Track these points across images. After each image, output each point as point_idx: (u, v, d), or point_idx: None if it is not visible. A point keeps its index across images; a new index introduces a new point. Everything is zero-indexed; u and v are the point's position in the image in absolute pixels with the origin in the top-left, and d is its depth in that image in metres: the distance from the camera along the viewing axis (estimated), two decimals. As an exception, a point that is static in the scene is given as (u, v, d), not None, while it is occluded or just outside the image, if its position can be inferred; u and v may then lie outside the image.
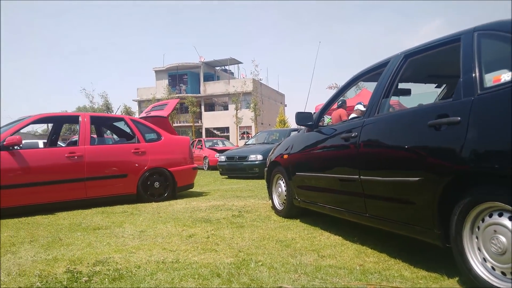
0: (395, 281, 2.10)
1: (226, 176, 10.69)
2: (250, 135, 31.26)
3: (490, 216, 1.78)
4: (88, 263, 2.57)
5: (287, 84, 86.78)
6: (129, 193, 5.60)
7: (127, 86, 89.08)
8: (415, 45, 2.59)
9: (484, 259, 1.81)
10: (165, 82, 36.23)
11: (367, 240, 2.95)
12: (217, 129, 35.68)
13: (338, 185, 2.97)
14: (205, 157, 15.23)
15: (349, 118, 7.66)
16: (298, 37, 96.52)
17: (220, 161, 10.96)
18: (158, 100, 29.80)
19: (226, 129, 34.96)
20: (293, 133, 9.83)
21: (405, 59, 2.60)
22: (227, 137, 31.90)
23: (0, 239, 3.12)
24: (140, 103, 37.24)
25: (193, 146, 16.27)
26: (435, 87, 3.61)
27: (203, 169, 14.76)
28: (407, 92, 3.27)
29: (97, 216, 4.54)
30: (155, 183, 5.82)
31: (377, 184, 2.49)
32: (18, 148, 4.77)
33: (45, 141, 10.04)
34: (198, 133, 34.79)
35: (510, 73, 1.81)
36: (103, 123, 7.08)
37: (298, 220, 3.90)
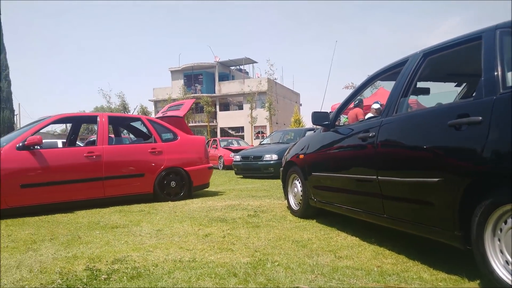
0: (414, 283, 2.07)
1: (241, 176, 10.71)
2: (264, 135, 31.25)
3: (513, 218, 1.74)
4: (106, 261, 2.61)
5: (302, 83, 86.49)
6: (146, 192, 5.67)
7: (144, 86, 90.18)
8: (434, 44, 2.55)
9: (507, 262, 1.77)
10: (180, 82, 36.52)
11: (385, 241, 2.92)
12: (232, 128, 35.78)
13: (355, 185, 2.95)
14: (220, 157, 15.29)
15: (365, 117, 7.60)
16: (314, 36, 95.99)
17: (235, 161, 10.99)
18: (174, 100, 30.06)
19: (241, 128, 35.03)
20: (308, 133, 9.78)
21: (424, 58, 2.56)
22: (242, 137, 31.95)
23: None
24: (156, 103, 37.62)
25: (208, 146, 16.35)
26: (455, 86, 3.54)
27: (218, 168, 14.83)
28: (426, 91, 3.21)
29: (115, 214, 4.60)
30: (172, 182, 5.87)
31: (395, 184, 2.46)
32: (39, 147, 4.87)
33: (64, 140, 10.25)
34: (213, 132, 34.96)
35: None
36: (120, 123, 7.19)
37: (314, 220, 3.88)
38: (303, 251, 2.76)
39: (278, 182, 7.93)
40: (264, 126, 32.42)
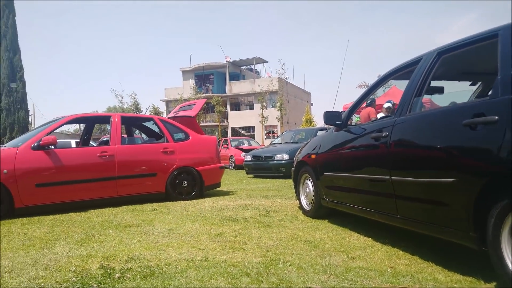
0: (428, 285, 2.05)
1: (252, 176, 10.72)
2: (275, 134, 31.21)
3: (531, 219, 1.71)
4: (120, 260, 2.63)
5: (313, 82, 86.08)
6: (158, 191, 5.71)
7: (155, 86, 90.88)
8: (449, 42, 2.51)
9: (524, 264, 1.73)
10: (191, 82, 36.68)
11: (398, 242, 2.89)
12: (243, 128, 35.81)
13: (368, 185, 2.92)
14: (231, 156, 15.33)
15: (377, 117, 7.54)
16: (326, 34, 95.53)
17: (246, 160, 11.00)
18: (185, 100, 30.21)
19: (252, 128, 35.04)
20: (320, 133, 9.75)
21: (438, 57, 2.53)
22: (253, 136, 31.96)
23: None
24: (168, 103, 37.86)
25: (219, 146, 16.41)
26: (470, 85, 3.49)
27: (229, 168, 14.87)
28: (440, 90, 3.17)
29: (127, 214, 4.65)
30: (183, 182, 5.91)
31: (409, 184, 2.43)
32: (53, 147, 4.95)
33: (78, 140, 10.38)
34: (224, 132, 35.04)
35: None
36: (133, 123, 7.25)
37: (326, 220, 3.86)
38: (315, 251, 2.75)
39: (289, 182, 7.91)
40: (275, 126, 32.39)
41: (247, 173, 11.04)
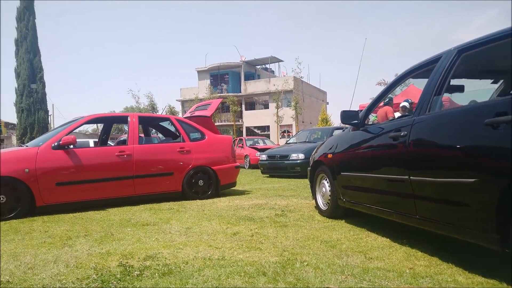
0: (449, 286, 2.01)
1: (267, 175, 10.71)
2: (290, 134, 31.12)
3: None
4: (138, 258, 2.67)
5: (329, 81, 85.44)
6: (174, 190, 5.76)
7: (171, 86, 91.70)
8: (470, 40, 2.46)
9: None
10: (207, 82, 36.88)
11: (417, 242, 2.85)
12: (258, 127, 35.83)
13: (386, 185, 2.89)
14: (246, 156, 15.35)
15: (395, 116, 7.44)
16: (341, 32, 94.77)
17: (261, 160, 11.00)
18: (201, 99, 30.40)
19: (267, 127, 35.03)
20: (336, 132, 9.68)
21: (459, 54, 2.48)
22: (268, 136, 31.94)
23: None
24: (183, 103, 38.15)
25: (234, 145, 16.45)
26: (491, 83, 3.41)
27: (244, 167, 14.90)
28: (460, 88, 3.11)
29: (145, 212, 4.71)
30: (199, 181, 5.95)
31: (428, 185, 2.39)
32: (73, 147, 5.04)
33: (96, 140, 10.56)
34: (238, 132, 35.12)
35: None
36: (150, 123, 7.34)
37: (343, 220, 3.83)
38: (332, 252, 2.73)
39: (305, 182, 7.89)
40: (290, 125, 32.29)
41: (262, 172, 11.04)
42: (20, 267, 2.52)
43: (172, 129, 6.78)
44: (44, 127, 26.44)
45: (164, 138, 7.22)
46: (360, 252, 2.71)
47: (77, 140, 5.16)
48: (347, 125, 3.71)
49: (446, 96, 3.49)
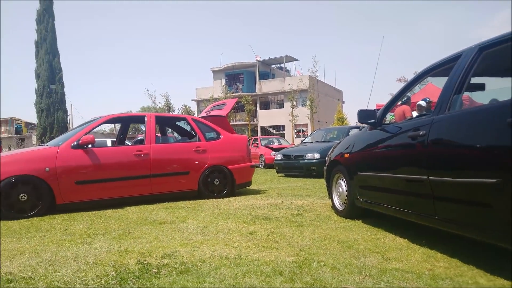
0: (470, 289, 1.97)
1: (283, 175, 10.69)
2: (306, 133, 30.99)
3: None
4: (156, 256, 2.70)
5: (345, 80, 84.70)
6: (190, 189, 5.81)
7: (186, 86, 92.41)
8: (491, 37, 2.41)
9: None
10: (222, 81, 37.04)
11: (436, 243, 2.80)
12: (273, 127, 35.80)
13: (404, 185, 2.85)
14: (261, 155, 15.36)
15: (413, 115, 7.33)
16: (358, 31, 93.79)
17: (276, 159, 10.99)
18: (216, 99, 30.54)
19: (282, 127, 34.97)
20: (352, 131, 9.60)
21: (480, 52, 2.43)
22: (283, 135, 31.89)
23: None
24: (199, 102, 38.40)
25: (249, 144, 16.47)
26: (513, 81, 3.33)
27: (259, 167, 14.91)
28: (481, 87, 3.05)
29: (162, 211, 4.76)
30: (215, 180, 5.98)
31: (448, 185, 2.35)
32: (91, 146, 5.13)
33: (114, 139, 10.72)
34: (253, 131, 35.15)
35: None
36: (166, 122, 7.41)
37: (360, 221, 3.80)
38: (349, 252, 2.71)
39: (321, 181, 7.85)
40: (305, 125, 32.16)
41: (277, 172, 11.02)
42: (41, 263, 2.58)
43: (188, 128, 6.83)
44: (63, 126, 26.98)
45: (180, 137, 7.29)
46: (377, 252, 2.68)
47: (95, 139, 5.25)
48: (364, 124, 3.67)
49: (465, 94, 3.42)
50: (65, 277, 2.30)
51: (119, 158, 5.31)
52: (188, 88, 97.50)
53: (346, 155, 3.83)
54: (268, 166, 14.42)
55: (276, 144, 16.68)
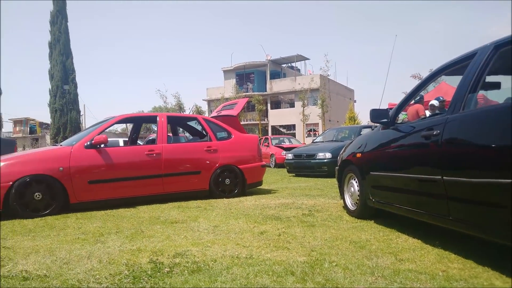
0: (485, 291, 1.94)
1: (293, 174, 10.67)
2: (317, 133, 30.85)
3: None
4: (168, 255, 2.72)
5: (356, 79, 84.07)
6: (202, 189, 5.83)
7: (197, 86, 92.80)
8: (507, 35, 2.36)
9: None
10: (232, 81, 37.09)
11: (450, 244, 2.76)
12: (283, 126, 35.72)
13: (418, 185, 2.82)
14: (271, 155, 15.35)
15: (427, 114, 7.24)
16: (370, 29, 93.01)
17: (287, 159, 10.97)
18: (227, 99, 30.59)
19: (292, 126, 34.87)
20: (364, 131, 9.52)
21: (496, 50, 2.39)
22: (293, 135, 31.79)
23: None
24: (210, 102, 38.52)
25: (260, 144, 16.47)
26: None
27: (269, 166, 14.90)
28: (496, 85, 2.99)
29: (173, 210, 4.79)
30: (226, 180, 5.99)
31: (462, 185, 2.31)
32: (104, 146, 5.19)
33: (126, 139, 10.82)
34: (264, 131, 35.13)
35: None
36: (178, 122, 7.46)
37: (372, 221, 3.77)
38: (361, 252, 2.69)
39: (332, 181, 7.81)
40: (316, 124, 32.01)
41: (288, 171, 11.00)
42: (56, 262, 2.61)
43: (199, 128, 6.87)
44: (76, 126, 27.32)
45: (191, 137, 7.32)
46: (390, 253, 2.65)
47: (108, 139, 5.30)
48: (376, 124, 3.64)
49: (480, 93, 3.37)
50: (79, 275, 2.33)
51: (131, 157, 5.36)
52: (199, 88, 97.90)
53: (358, 155, 3.80)
54: (279, 165, 14.41)
55: (287, 144, 16.64)
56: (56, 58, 26.97)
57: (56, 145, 5.64)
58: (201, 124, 6.37)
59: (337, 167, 4.48)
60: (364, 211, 3.81)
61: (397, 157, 3.18)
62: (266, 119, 36.43)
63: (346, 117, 26.69)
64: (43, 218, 4.41)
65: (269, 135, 29.31)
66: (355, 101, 39.74)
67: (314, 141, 12.39)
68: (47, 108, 27.72)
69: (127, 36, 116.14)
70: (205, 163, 5.85)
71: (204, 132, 6.47)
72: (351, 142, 4.31)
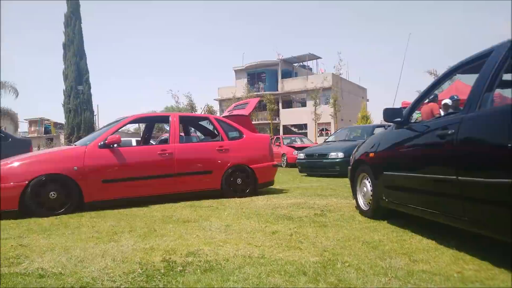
0: (502, 293, 1.91)
1: (305, 174, 10.63)
2: (329, 132, 30.69)
3: None
4: (181, 254, 2.73)
5: (369, 78, 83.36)
6: (213, 188, 5.85)
7: (209, 85, 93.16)
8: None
9: None
10: (244, 81, 37.12)
11: (465, 245, 2.72)
12: (295, 126, 35.63)
13: (432, 185, 2.78)
14: (283, 154, 15.33)
15: (441, 113, 7.14)
16: (383, 27, 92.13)
17: (299, 159, 10.94)
18: (238, 98, 30.63)
19: (304, 125, 34.75)
20: (377, 130, 9.43)
21: (513, 48, 2.34)
22: (305, 134, 31.67)
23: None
24: (221, 102, 38.63)
25: (271, 144, 16.45)
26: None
27: (281, 166, 14.87)
28: (513, 84, 2.94)
29: (185, 209, 4.81)
30: (238, 179, 6.00)
31: (477, 185, 2.27)
32: (117, 146, 5.24)
33: (138, 139, 10.93)
34: (275, 130, 35.08)
35: None
36: (190, 122, 7.50)
37: (385, 221, 3.73)
38: (374, 253, 2.67)
39: (344, 181, 7.75)
40: (328, 123, 31.84)
41: (300, 171, 10.97)
42: (71, 260, 2.65)
43: (211, 128, 6.90)
44: (89, 126, 27.67)
45: (203, 137, 7.36)
46: (404, 254, 2.62)
47: (121, 139, 5.36)
48: (389, 123, 3.60)
49: (496, 92, 3.31)
50: (94, 273, 2.36)
51: (144, 157, 5.41)
52: (210, 87, 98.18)
53: (371, 155, 3.77)
54: (290, 165, 14.38)
55: (298, 143, 16.61)
56: (70, 59, 27.36)
57: (70, 145, 5.72)
58: (212, 124, 6.39)
59: (349, 167, 4.45)
60: (377, 211, 3.78)
61: (411, 156, 3.14)
62: (277, 119, 36.38)
63: (359, 116, 26.46)
64: (58, 216, 4.48)
65: (280, 134, 29.25)
66: (367, 100, 39.39)
67: (326, 140, 12.33)
68: (61, 108, 28.16)
69: (140, 36, 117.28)
70: (216, 163, 5.87)
71: (215, 131, 6.49)
72: (364, 142, 4.28)
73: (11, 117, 29.01)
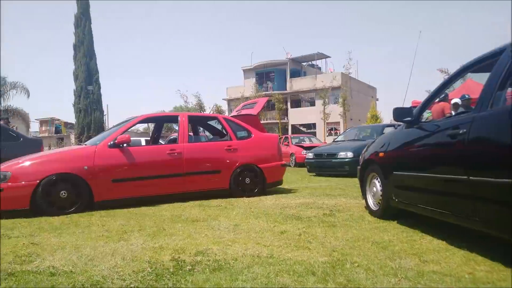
0: (514, 295, 1.88)
1: (314, 174, 10.60)
2: (338, 132, 30.54)
3: None
4: (190, 253, 2.74)
5: (379, 77, 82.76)
6: (222, 188, 5.86)
7: (217, 85, 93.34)
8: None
9: None
10: (252, 80, 37.11)
11: (477, 246, 2.68)
12: (303, 125, 35.53)
13: (443, 185, 2.75)
14: (291, 154, 15.30)
15: (453, 112, 7.05)
16: (392, 25, 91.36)
17: (308, 158, 10.91)
18: (247, 98, 30.65)
19: (313, 125, 34.64)
20: (387, 129, 9.36)
21: (526, 46, 2.30)
22: (314, 134, 31.56)
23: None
24: (229, 101, 38.68)
25: (280, 143, 16.42)
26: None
27: (290, 165, 14.84)
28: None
29: (194, 209, 4.83)
30: (246, 179, 6.00)
31: (489, 185, 2.24)
32: (127, 145, 5.28)
33: (148, 138, 10.99)
34: (284, 130, 35.02)
35: None
36: (198, 122, 7.52)
37: (395, 221, 3.70)
38: (384, 253, 2.65)
39: (354, 181, 7.71)
40: (337, 123, 31.70)
41: (308, 171, 10.94)
42: (81, 258, 2.68)
43: (220, 127, 6.91)
44: (99, 126, 27.95)
45: (212, 136, 7.38)
46: (414, 254, 2.60)
47: (131, 138, 5.39)
48: (399, 122, 3.57)
49: (509, 90, 3.26)
50: (104, 272, 2.38)
51: (153, 157, 5.44)
52: (219, 87, 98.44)
53: (381, 154, 3.74)
54: (299, 165, 14.34)
55: (307, 143, 16.55)
56: (80, 59, 27.67)
57: (80, 144, 5.78)
58: (221, 124, 6.40)
59: (359, 167, 4.43)
60: (386, 211, 3.75)
61: (422, 156, 3.11)
62: (286, 118, 36.31)
63: (368, 116, 26.30)
64: (69, 215, 4.52)
65: (289, 134, 29.20)
66: (377, 100, 39.12)
67: (335, 140, 12.27)
68: (72, 108, 28.47)
69: (149, 36, 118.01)
70: (225, 162, 5.88)
71: (224, 131, 6.50)
72: (374, 141, 4.25)
73: (23, 117, 29.42)
